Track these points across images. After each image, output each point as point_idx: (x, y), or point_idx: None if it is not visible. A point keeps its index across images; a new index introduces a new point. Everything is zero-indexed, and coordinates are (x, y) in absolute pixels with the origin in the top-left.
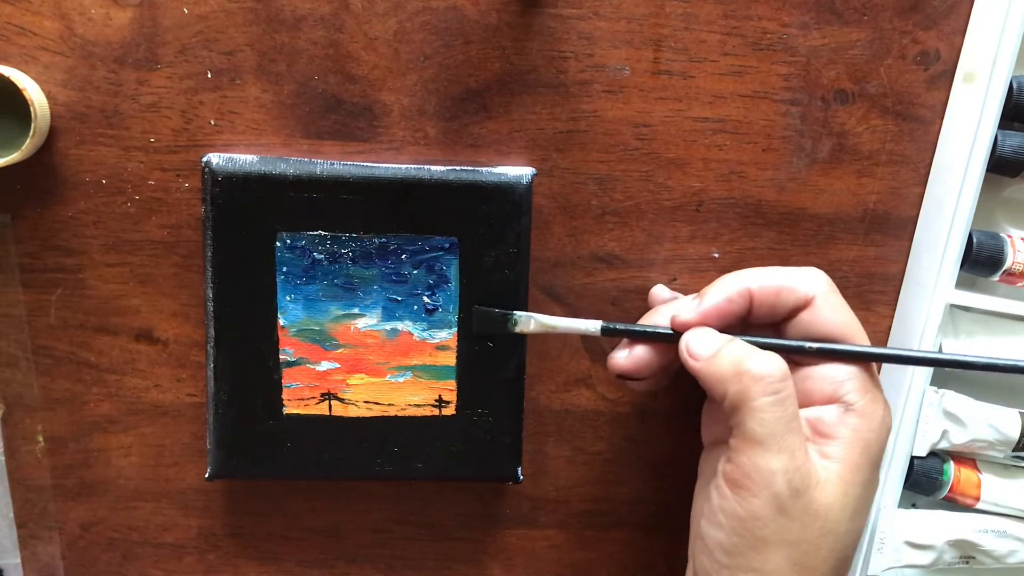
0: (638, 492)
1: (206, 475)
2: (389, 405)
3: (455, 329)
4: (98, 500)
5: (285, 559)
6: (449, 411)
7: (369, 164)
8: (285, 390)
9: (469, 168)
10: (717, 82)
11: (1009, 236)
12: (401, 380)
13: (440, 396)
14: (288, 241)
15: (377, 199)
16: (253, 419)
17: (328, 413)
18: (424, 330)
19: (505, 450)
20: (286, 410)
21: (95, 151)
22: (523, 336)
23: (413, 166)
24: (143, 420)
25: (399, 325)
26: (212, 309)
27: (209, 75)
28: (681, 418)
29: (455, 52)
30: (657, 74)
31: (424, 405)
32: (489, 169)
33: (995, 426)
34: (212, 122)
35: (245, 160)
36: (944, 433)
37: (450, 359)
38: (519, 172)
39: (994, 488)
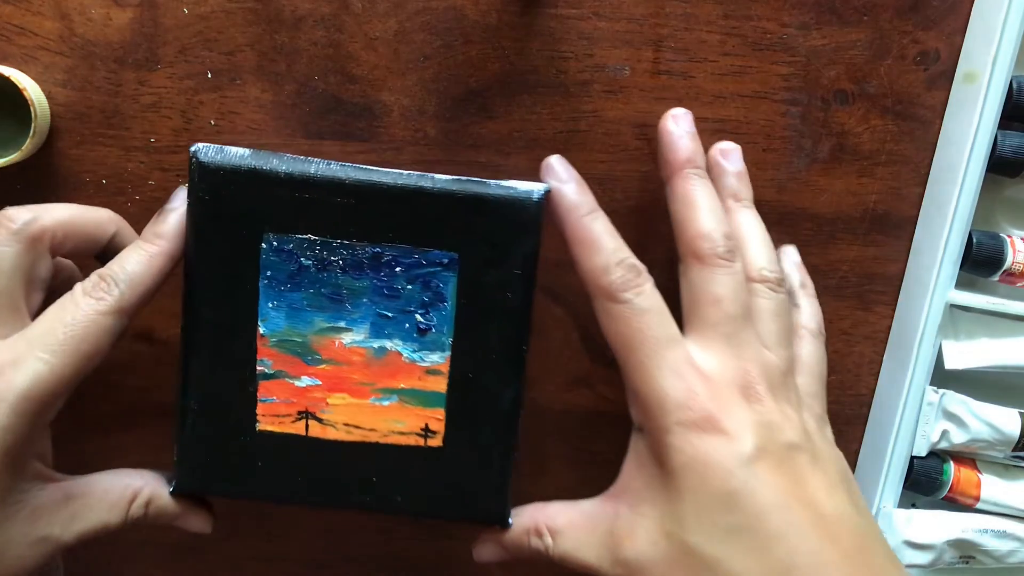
0: None
1: (170, 488)
2: (371, 430)
3: (448, 353)
4: None
5: (285, 559)
6: (435, 442)
7: (368, 167)
8: (260, 404)
9: (476, 180)
10: (717, 82)
11: (1009, 236)
12: (386, 404)
13: (427, 425)
14: (275, 243)
15: (374, 205)
16: (224, 433)
17: (304, 433)
18: (414, 351)
19: (493, 490)
20: (259, 426)
21: (95, 151)
22: (523, 361)
23: (416, 173)
24: (143, 420)
25: (388, 344)
26: (187, 310)
27: (209, 75)
28: None
29: (455, 52)
30: (657, 74)
31: (409, 433)
32: (498, 182)
33: (995, 426)
34: (212, 122)
35: (235, 153)
36: (944, 433)
37: (440, 385)
38: (529, 187)
39: (994, 488)
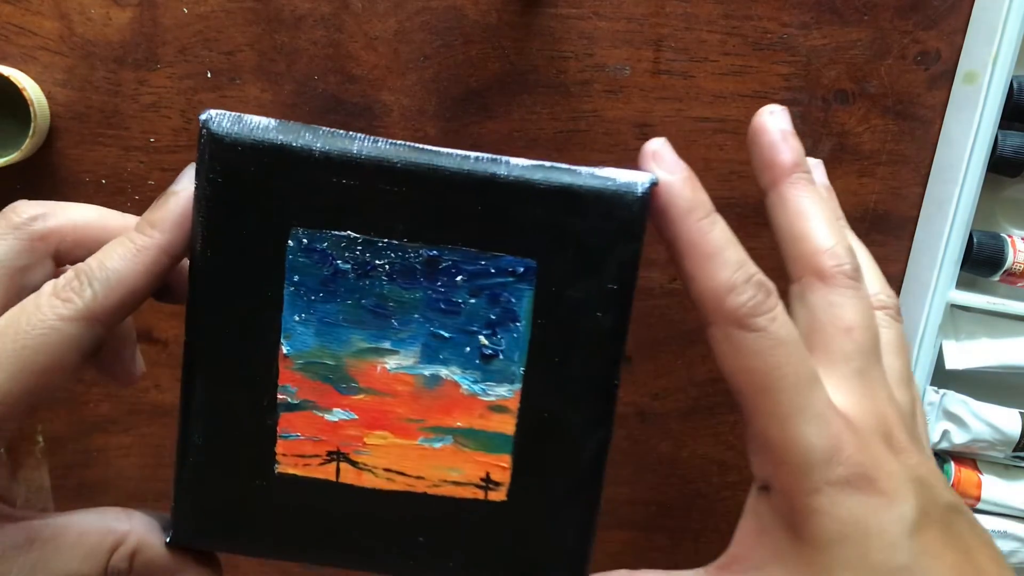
0: (638, 492)
1: (167, 539)
2: (418, 478)
3: (519, 386)
4: (98, 500)
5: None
6: (498, 495)
7: (425, 147)
8: (280, 441)
9: (562, 166)
10: (717, 82)
11: (1009, 236)
12: (437, 446)
13: (488, 474)
14: (305, 241)
15: (431, 196)
16: (235, 475)
17: (335, 479)
18: (476, 382)
19: (568, 557)
20: (279, 468)
21: (95, 151)
22: (613, 398)
23: (486, 156)
24: (143, 420)
25: (443, 371)
26: (192, 320)
27: (209, 75)
28: (681, 418)
29: (455, 52)
30: (657, 74)
31: (466, 484)
32: (591, 170)
33: (995, 426)
34: None
35: (258, 124)
36: (945, 433)
37: (507, 425)
38: (631, 178)
39: (994, 488)
